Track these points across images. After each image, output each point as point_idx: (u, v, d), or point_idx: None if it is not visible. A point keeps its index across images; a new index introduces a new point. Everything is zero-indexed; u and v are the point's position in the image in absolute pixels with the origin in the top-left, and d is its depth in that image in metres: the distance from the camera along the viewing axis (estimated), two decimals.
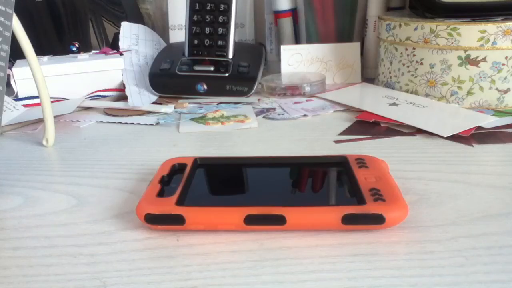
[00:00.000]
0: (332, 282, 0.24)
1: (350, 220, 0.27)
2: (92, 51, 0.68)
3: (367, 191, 0.30)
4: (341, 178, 0.33)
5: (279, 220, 0.28)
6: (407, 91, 0.56)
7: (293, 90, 0.60)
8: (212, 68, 0.61)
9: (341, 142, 0.44)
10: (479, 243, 0.27)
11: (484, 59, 0.50)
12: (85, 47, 0.74)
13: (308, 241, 0.27)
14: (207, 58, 0.62)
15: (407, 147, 0.42)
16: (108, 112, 0.57)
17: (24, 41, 0.42)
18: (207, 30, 0.63)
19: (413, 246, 0.27)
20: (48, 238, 0.29)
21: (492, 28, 0.49)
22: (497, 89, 0.51)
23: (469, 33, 0.50)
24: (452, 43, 0.51)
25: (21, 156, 0.44)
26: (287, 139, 0.46)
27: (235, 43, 0.63)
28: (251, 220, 0.28)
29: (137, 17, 0.81)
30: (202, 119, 0.52)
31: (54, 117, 0.47)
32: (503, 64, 0.50)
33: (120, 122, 0.53)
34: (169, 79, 0.61)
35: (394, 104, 0.52)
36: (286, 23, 0.72)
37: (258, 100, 0.59)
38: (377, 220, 0.27)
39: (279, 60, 0.68)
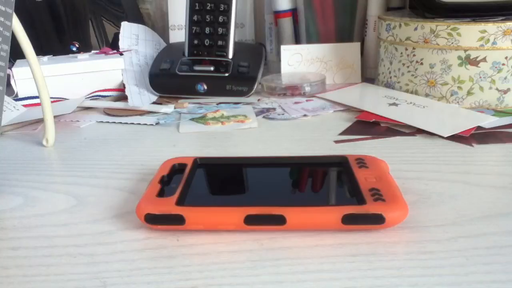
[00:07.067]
0: (332, 282, 0.24)
1: (350, 220, 0.27)
2: (92, 51, 0.68)
3: (367, 191, 0.30)
4: (341, 178, 0.33)
5: (279, 220, 0.28)
6: (407, 91, 0.56)
7: (293, 90, 0.60)
8: (212, 68, 0.61)
9: (341, 142, 0.44)
10: (479, 243, 0.27)
11: (484, 59, 0.50)
12: (85, 47, 0.74)
13: (308, 241, 0.27)
14: (207, 58, 0.62)
15: (407, 147, 0.42)
16: (108, 112, 0.57)
17: (24, 41, 0.42)
18: (207, 30, 0.63)
19: (413, 246, 0.27)
20: (48, 238, 0.29)
21: (492, 28, 0.49)
22: (497, 89, 0.51)
23: (469, 33, 0.50)
24: (452, 43, 0.51)
25: (21, 156, 0.44)
26: (287, 139, 0.46)
27: (235, 43, 0.63)
28: (251, 220, 0.28)
29: (137, 17, 0.81)
30: (202, 119, 0.52)
31: (54, 117, 0.47)
32: (503, 64, 0.50)
33: (120, 122, 0.53)
34: (169, 79, 0.61)
35: (394, 104, 0.52)
36: (286, 23, 0.72)
37: (258, 100, 0.59)
38: (377, 220, 0.27)
39: (279, 60, 0.68)
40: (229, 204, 0.30)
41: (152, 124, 0.52)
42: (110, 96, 0.62)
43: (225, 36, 0.62)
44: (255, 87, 0.60)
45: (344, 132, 0.47)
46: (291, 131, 0.48)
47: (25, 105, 0.57)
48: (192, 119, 0.52)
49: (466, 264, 0.25)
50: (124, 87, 0.59)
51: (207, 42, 0.63)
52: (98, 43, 0.82)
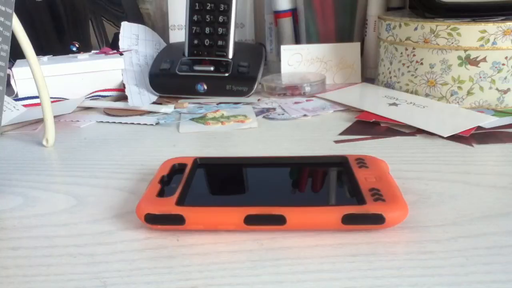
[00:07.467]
0: (332, 282, 0.24)
1: (350, 220, 0.27)
2: (92, 51, 0.68)
3: (367, 191, 0.30)
4: (341, 178, 0.33)
5: (279, 220, 0.28)
6: (407, 91, 0.56)
7: (293, 90, 0.60)
8: (212, 68, 0.61)
9: (341, 142, 0.44)
10: (479, 243, 0.27)
11: (484, 59, 0.50)
12: (85, 47, 0.74)
13: (308, 241, 0.27)
14: (207, 58, 0.62)
15: (407, 147, 0.42)
16: (108, 112, 0.57)
17: (24, 41, 0.42)
18: (207, 30, 0.63)
19: (413, 246, 0.27)
20: (48, 238, 0.29)
21: (492, 28, 0.49)
22: (497, 89, 0.51)
23: (469, 33, 0.50)
24: (452, 43, 0.51)
25: (21, 156, 0.44)
26: (287, 139, 0.46)
27: (235, 43, 0.63)
28: (251, 220, 0.28)
29: (137, 17, 0.81)
30: (202, 119, 0.52)
31: (54, 117, 0.47)
32: (503, 64, 0.50)
33: (120, 122, 0.53)
34: (169, 79, 0.61)
35: (394, 104, 0.52)
36: (286, 23, 0.72)
37: (258, 100, 0.59)
38: (377, 220, 0.27)
39: (279, 60, 0.68)
40: (229, 204, 0.30)
41: (152, 124, 0.52)
42: (110, 96, 0.62)
43: (225, 36, 0.62)
44: (255, 87, 0.60)
45: (344, 132, 0.47)
46: (291, 131, 0.48)
47: (25, 105, 0.57)
48: (192, 119, 0.52)
49: (466, 264, 0.25)
50: (124, 87, 0.59)
51: (207, 42, 0.63)
52: (98, 43, 0.82)
